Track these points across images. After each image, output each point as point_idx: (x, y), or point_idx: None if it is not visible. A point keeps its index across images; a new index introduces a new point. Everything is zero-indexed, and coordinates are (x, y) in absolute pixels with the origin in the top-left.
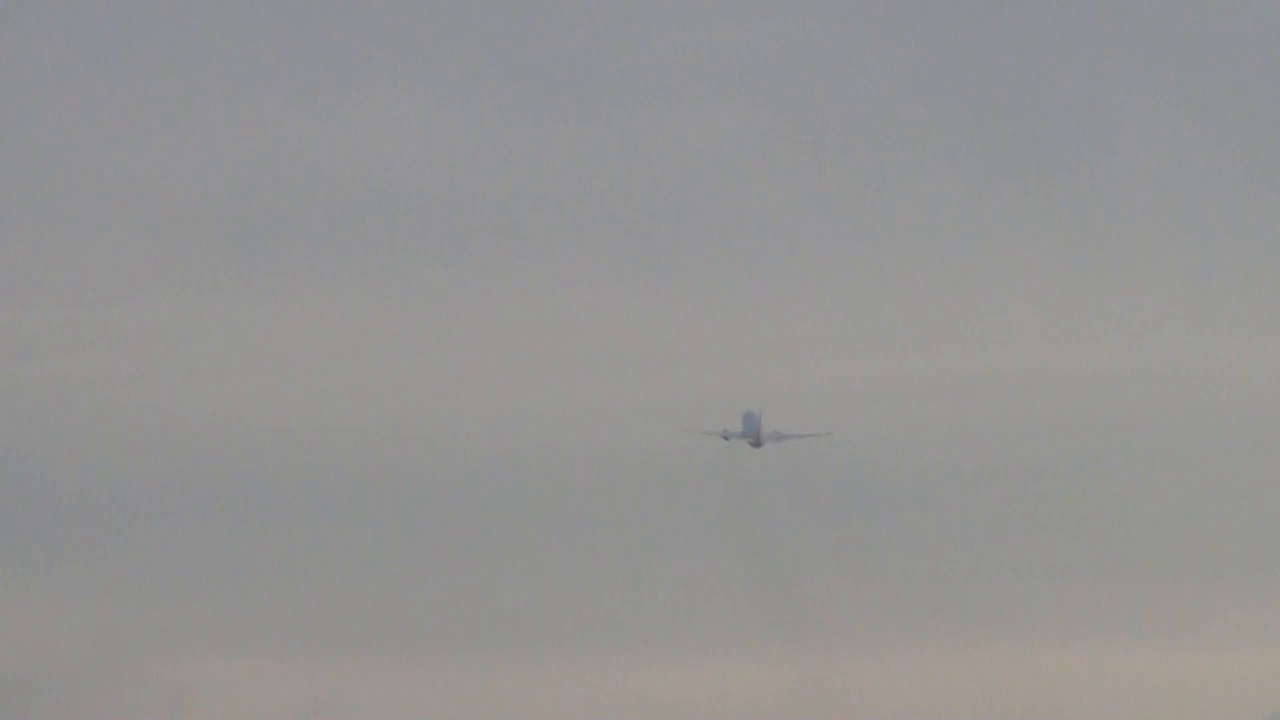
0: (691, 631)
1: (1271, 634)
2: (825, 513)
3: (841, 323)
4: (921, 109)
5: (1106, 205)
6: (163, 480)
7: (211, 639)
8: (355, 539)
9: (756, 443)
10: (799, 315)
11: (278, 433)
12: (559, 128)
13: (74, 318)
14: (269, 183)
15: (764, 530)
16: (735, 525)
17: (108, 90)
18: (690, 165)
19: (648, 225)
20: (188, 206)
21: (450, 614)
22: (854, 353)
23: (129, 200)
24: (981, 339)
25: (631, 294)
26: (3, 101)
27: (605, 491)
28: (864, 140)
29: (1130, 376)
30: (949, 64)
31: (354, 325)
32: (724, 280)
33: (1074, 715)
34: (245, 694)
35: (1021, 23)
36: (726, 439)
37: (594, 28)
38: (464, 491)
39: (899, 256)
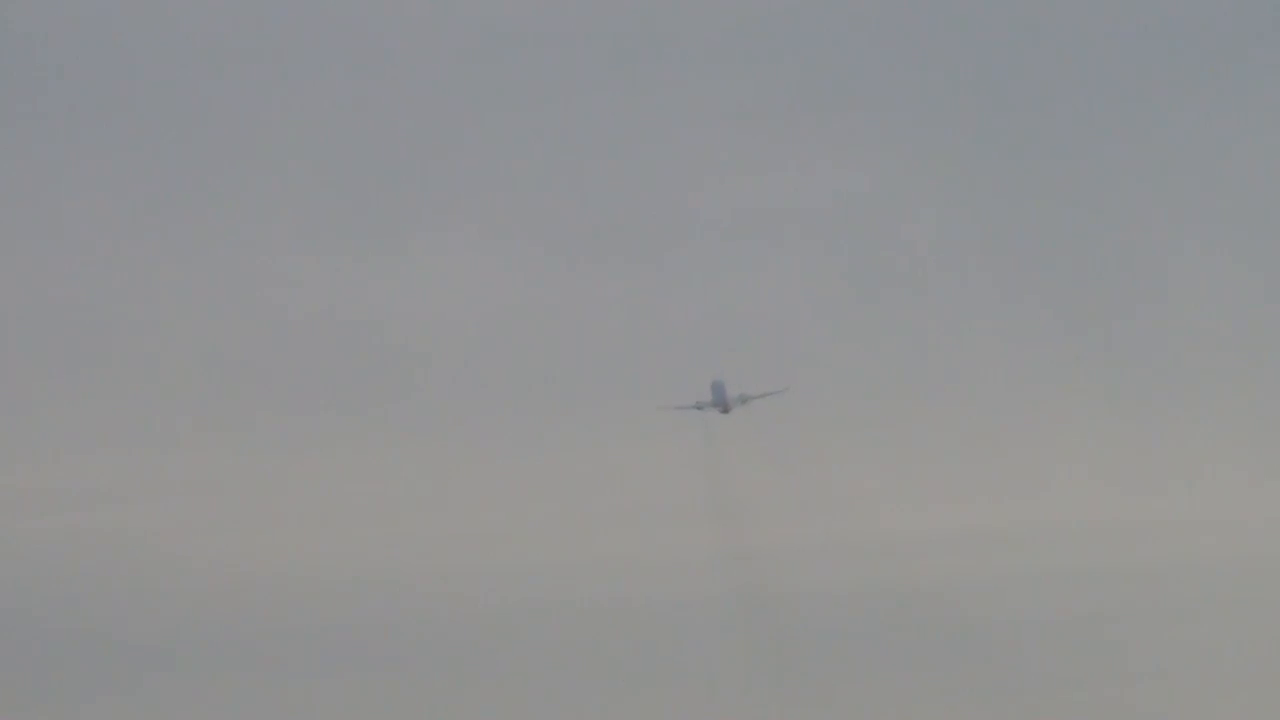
0: None
1: None
2: (878, 662)
3: (895, 475)
4: (973, 262)
5: (1162, 357)
6: (200, 633)
7: None
8: (396, 693)
9: (725, 409)
10: (843, 467)
11: (317, 586)
12: (605, 280)
13: (110, 470)
14: (307, 334)
15: (791, 680)
16: (766, 686)
17: (148, 241)
18: (741, 318)
19: (695, 376)
20: (225, 358)
21: None
22: (909, 505)
23: (167, 352)
24: (1035, 491)
25: (679, 448)
26: (44, 253)
27: (635, 647)
28: (916, 294)
29: (1182, 528)
30: (1005, 219)
31: (396, 478)
32: (774, 434)
33: None
34: None
35: (1080, 176)
36: (700, 409)
37: (643, 180)
38: (504, 645)
39: (953, 409)
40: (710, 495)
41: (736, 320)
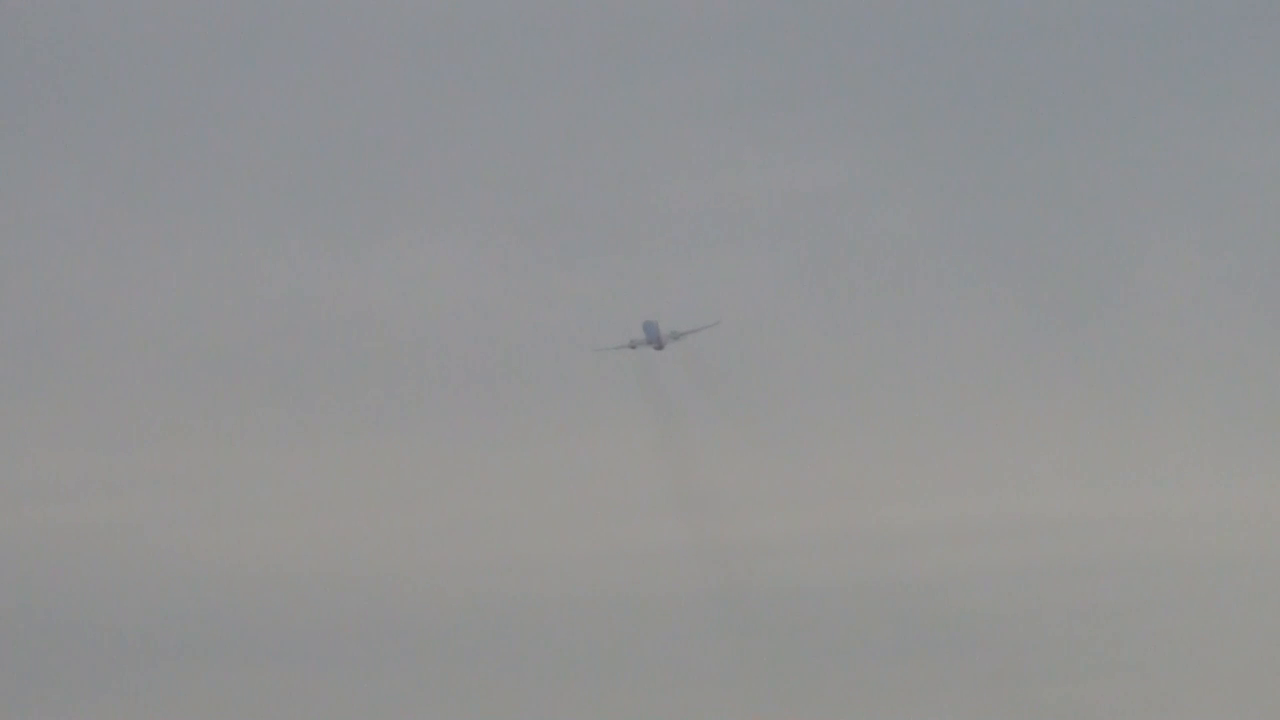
0: None
1: None
2: (860, 657)
3: (867, 469)
4: (948, 255)
5: (1138, 350)
6: (187, 627)
7: None
8: (377, 688)
9: (659, 346)
10: (821, 460)
11: (296, 580)
12: (578, 274)
13: (95, 464)
14: (286, 328)
15: (773, 676)
16: (740, 676)
17: (124, 236)
18: (715, 312)
19: (670, 370)
20: (206, 352)
21: None
22: (879, 499)
23: (149, 345)
24: (1011, 484)
25: (656, 440)
26: (23, 247)
27: (618, 641)
28: (889, 286)
29: (1158, 522)
30: (978, 210)
31: (373, 472)
32: (745, 426)
33: None
34: None
35: (1053, 169)
36: (634, 348)
37: (616, 174)
38: (492, 641)
39: (927, 402)
40: (691, 489)
41: (711, 314)
